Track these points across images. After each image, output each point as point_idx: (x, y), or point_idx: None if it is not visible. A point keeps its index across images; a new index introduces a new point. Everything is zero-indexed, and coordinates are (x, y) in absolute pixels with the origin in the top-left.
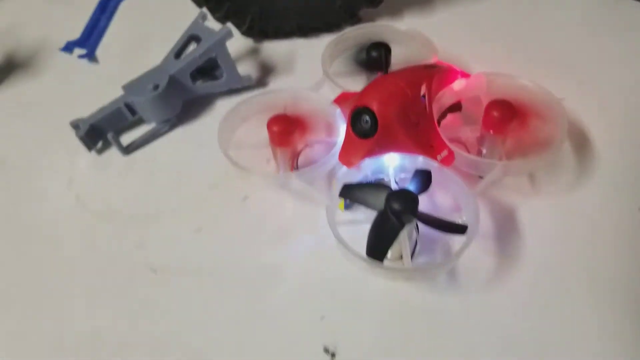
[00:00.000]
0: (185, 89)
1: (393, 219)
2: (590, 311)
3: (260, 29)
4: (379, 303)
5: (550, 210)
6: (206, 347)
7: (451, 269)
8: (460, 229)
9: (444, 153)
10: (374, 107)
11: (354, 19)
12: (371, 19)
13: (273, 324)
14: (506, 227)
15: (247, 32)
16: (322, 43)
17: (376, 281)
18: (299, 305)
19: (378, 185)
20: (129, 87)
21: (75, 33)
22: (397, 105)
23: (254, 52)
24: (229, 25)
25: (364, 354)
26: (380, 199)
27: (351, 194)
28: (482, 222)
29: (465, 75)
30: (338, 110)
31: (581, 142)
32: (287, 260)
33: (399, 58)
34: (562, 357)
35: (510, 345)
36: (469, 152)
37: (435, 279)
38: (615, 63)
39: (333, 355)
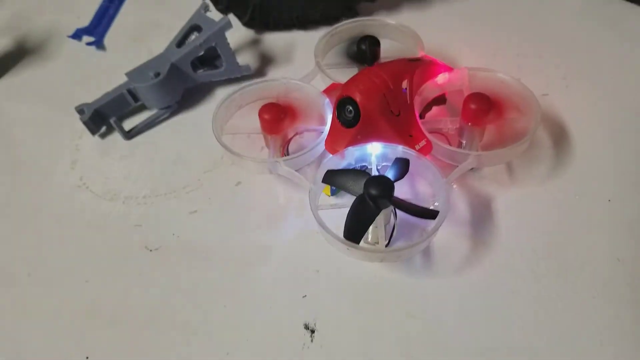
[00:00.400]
0: (185, 77)
1: (370, 203)
2: (557, 296)
3: (261, 21)
4: (358, 283)
5: (525, 199)
6: (194, 320)
7: (427, 252)
8: (432, 214)
9: (422, 143)
10: (357, 98)
11: (352, 12)
12: (369, 12)
13: (258, 301)
14: (482, 215)
15: (248, 24)
16: (320, 35)
17: (356, 262)
18: (283, 284)
19: (358, 171)
20: (132, 74)
21: (85, 20)
22: (378, 96)
23: (254, 43)
24: (231, 16)
25: (342, 331)
26: (360, 184)
27: (333, 179)
28: (460, 209)
29: (448, 69)
30: (327, 100)
31: (560, 136)
32: (275, 241)
33: (388, 51)
34: (528, 338)
35: (479, 325)
36: (450, 142)
37: (411, 261)
38: (601, 61)
39: (313, 331)
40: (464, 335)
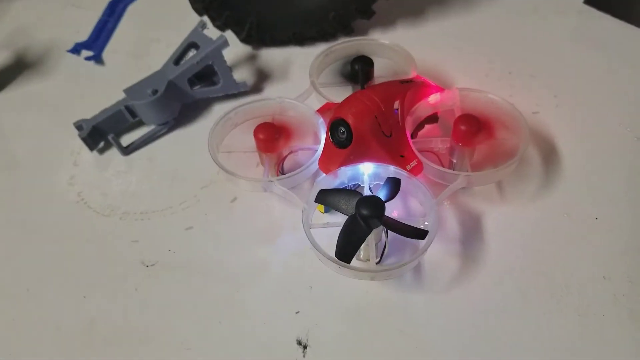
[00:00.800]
0: (183, 94)
1: (361, 223)
2: (543, 314)
3: (258, 37)
4: (350, 299)
5: (514, 217)
6: (190, 336)
7: (418, 269)
8: (421, 234)
9: (413, 163)
10: (349, 120)
11: (347, 30)
12: (365, 29)
13: (252, 316)
14: (472, 233)
15: (245, 40)
16: (316, 51)
17: (348, 279)
18: (277, 300)
19: (350, 191)
20: (129, 91)
21: (85, 34)
22: (370, 118)
23: (252, 59)
24: (229, 33)
25: (334, 347)
26: (352, 204)
27: (326, 199)
28: (451, 227)
29: (440, 89)
30: (321, 120)
31: (549, 154)
32: (269, 257)
33: (382, 70)
34: (515, 355)
35: (467, 342)
36: (441, 161)
37: (402, 278)
38: (592, 79)
39: (305, 347)
40: (453, 352)
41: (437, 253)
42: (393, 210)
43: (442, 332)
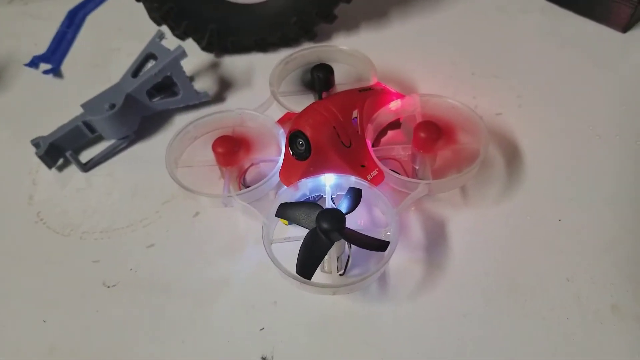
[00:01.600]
0: (142, 107)
1: (322, 237)
2: (507, 318)
3: (220, 45)
4: (315, 313)
5: (478, 221)
6: (153, 357)
7: (383, 279)
8: (382, 246)
9: (374, 172)
10: (307, 132)
11: (310, 34)
12: (328, 34)
13: (216, 334)
14: (437, 239)
15: (207, 48)
16: (280, 57)
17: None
18: (241, 317)
19: (310, 204)
20: (87, 106)
21: (43, 46)
22: (328, 129)
23: (214, 67)
24: (190, 41)
25: None
26: (312, 217)
27: (286, 213)
28: (415, 234)
29: (400, 96)
30: (281, 131)
31: (512, 156)
32: (233, 273)
33: (343, 77)
34: None
35: (432, 350)
36: (404, 169)
37: (368, 289)
38: (554, 79)
39: None
40: None
41: (402, 261)
42: (358, 219)
43: (407, 341)
